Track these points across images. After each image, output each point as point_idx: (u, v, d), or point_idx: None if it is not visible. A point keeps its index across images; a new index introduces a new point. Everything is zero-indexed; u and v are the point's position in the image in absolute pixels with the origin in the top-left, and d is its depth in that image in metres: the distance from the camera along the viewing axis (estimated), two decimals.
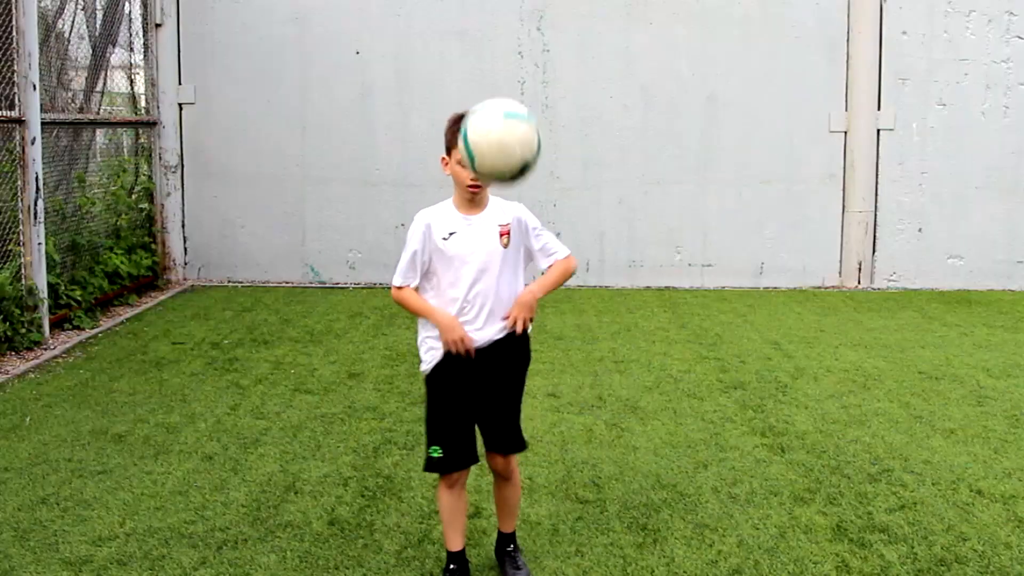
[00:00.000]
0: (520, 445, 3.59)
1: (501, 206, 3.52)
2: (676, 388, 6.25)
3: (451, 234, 3.41)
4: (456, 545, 3.57)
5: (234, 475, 4.69)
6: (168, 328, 7.90)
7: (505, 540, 3.69)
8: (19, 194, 7.14)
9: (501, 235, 3.43)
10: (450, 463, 3.46)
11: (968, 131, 9.84)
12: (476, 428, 3.55)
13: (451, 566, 3.56)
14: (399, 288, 3.50)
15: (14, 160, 7.13)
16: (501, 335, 3.45)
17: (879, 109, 9.83)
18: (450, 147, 3.39)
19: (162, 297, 9.27)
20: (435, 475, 4.57)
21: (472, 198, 3.43)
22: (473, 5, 9.78)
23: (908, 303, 9.20)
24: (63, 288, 7.88)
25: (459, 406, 3.48)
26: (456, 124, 3.35)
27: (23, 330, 7.01)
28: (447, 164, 3.44)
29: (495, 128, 3.17)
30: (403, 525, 4.13)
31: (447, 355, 3.43)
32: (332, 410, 5.72)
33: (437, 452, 3.46)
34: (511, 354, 3.50)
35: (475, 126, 3.19)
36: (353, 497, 4.42)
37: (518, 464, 3.69)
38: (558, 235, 10.02)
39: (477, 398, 3.49)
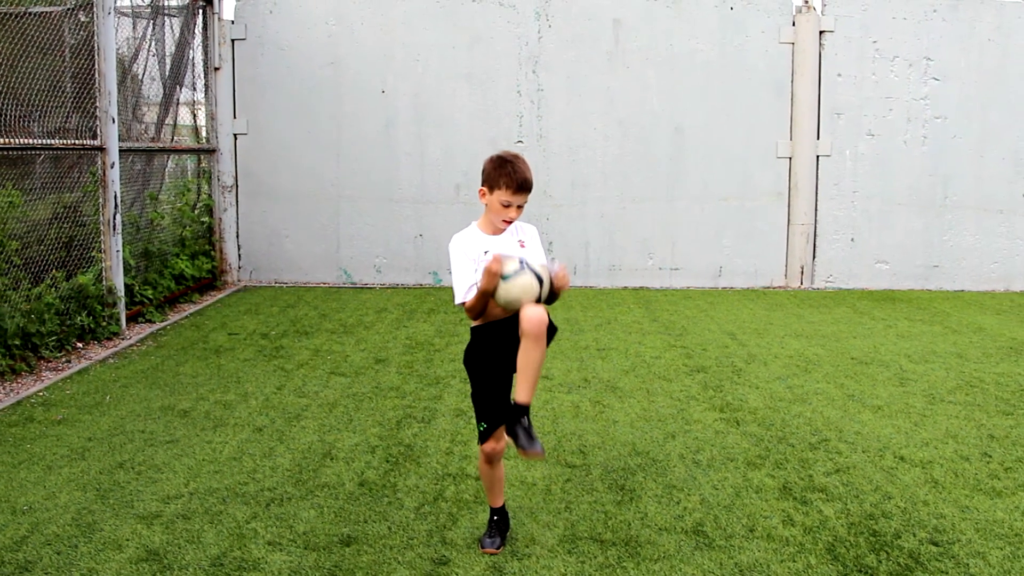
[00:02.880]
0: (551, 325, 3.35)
1: (517, 226, 3.49)
2: (649, 371, 6.25)
3: (486, 252, 3.36)
4: (497, 502, 3.60)
5: (280, 444, 4.70)
6: (225, 321, 7.91)
7: (519, 411, 3.30)
8: (100, 210, 7.15)
9: (521, 246, 3.45)
10: (494, 429, 3.46)
11: (892, 157, 9.85)
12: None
13: (494, 517, 3.59)
14: (467, 303, 3.39)
15: (96, 181, 7.14)
16: None
17: (818, 138, 9.83)
18: (491, 185, 3.36)
19: (220, 296, 9.28)
20: (454, 447, 4.58)
21: (504, 228, 3.42)
22: (479, 52, 9.79)
23: (842, 300, 9.21)
24: (137, 288, 7.89)
25: (494, 384, 3.46)
26: (493, 164, 3.37)
27: (104, 323, 7.02)
28: (484, 195, 3.40)
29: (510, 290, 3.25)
30: (421, 486, 4.13)
31: (476, 335, 3.47)
32: (362, 390, 5.73)
33: (483, 426, 3.48)
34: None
35: (499, 296, 3.27)
36: (379, 462, 4.43)
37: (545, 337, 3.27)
38: (550, 244, 10.12)
39: (509, 371, 3.45)
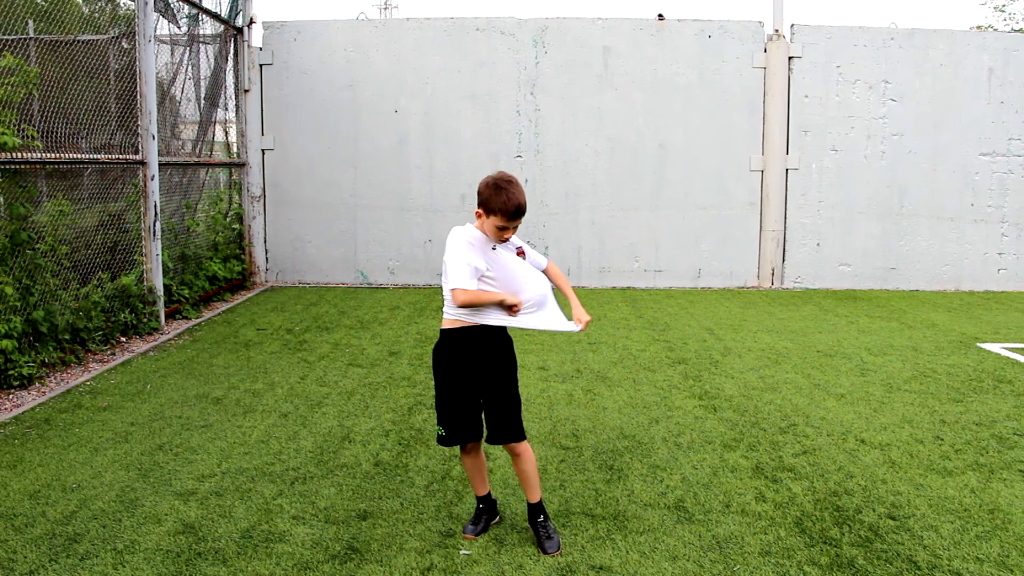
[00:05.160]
0: (516, 435, 3.29)
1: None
2: (635, 363, 6.25)
3: (494, 248, 3.23)
4: (481, 491, 3.47)
5: (303, 428, 4.69)
6: (254, 318, 7.90)
7: (535, 511, 3.34)
8: (142, 217, 7.15)
9: (519, 254, 3.32)
10: (452, 440, 3.35)
11: (854, 170, 9.85)
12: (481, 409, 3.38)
13: (480, 506, 3.47)
14: (467, 291, 3.14)
15: (138, 192, 7.14)
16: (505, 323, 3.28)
17: (787, 153, 9.83)
18: (486, 210, 3.16)
19: (249, 295, 9.27)
20: None
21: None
22: (483, 76, 9.79)
23: (809, 299, 9.20)
24: (175, 288, 7.89)
25: (458, 392, 3.30)
26: (489, 189, 3.14)
27: (145, 319, 7.02)
28: (480, 217, 3.20)
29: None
30: (430, 466, 4.13)
31: (446, 337, 3.30)
32: (377, 379, 5.73)
33: (441, 431, 3.36)
34: (502, 349, 3.31)
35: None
36: (393, 445, 4.43)
37: (527, 445, 3.35)
38: (546, 248, 10.11)
39: (476, 385, 3.29)
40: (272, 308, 8.42)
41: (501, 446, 3.59)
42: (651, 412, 5.03)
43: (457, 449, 4.27)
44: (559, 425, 4.76)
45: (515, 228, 3.21)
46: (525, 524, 3.49)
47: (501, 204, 3.11)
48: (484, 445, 3.58)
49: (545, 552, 3.25)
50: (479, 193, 3.19)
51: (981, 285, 10.01)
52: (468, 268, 3.15)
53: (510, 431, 3.30)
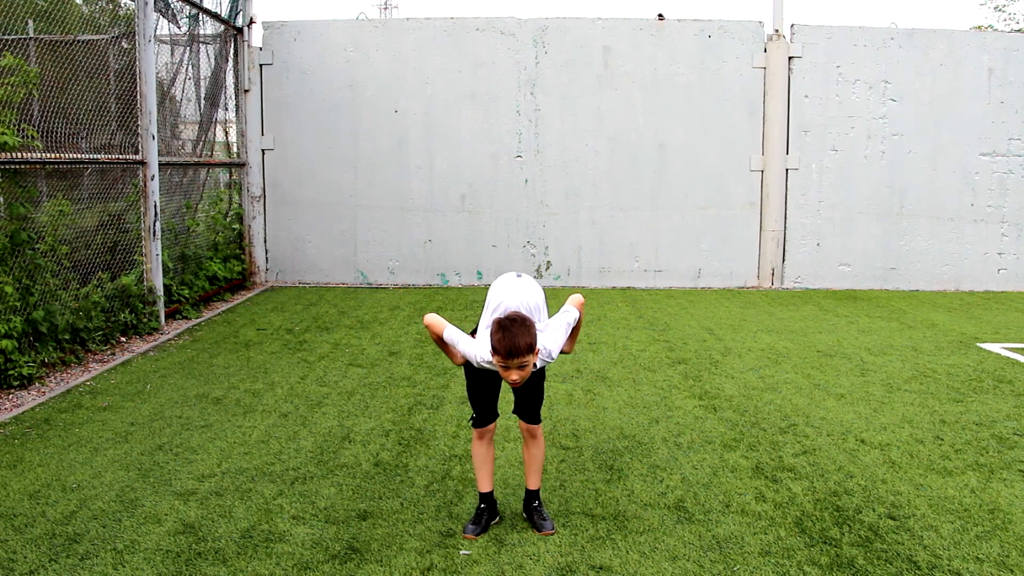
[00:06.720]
0: (535, 419, 3.49)
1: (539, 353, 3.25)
2: (635, 363, 6.25)
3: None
4: (485, 487, 3.48)
5: (303, 428, 4.69)
6: (254, 318, 7.90)
7: (531, 497, 3.51)
8: (142, 217, 7.15)
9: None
10: (481, 422, 3.49)
11: (854, 170, 9.85)
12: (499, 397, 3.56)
13: (481, 505, 3.47)
14: (443, 338, 3.38)
15: (138, 192, 7.14)
16: None
17: (787, 153, 9.83)
18: (491, 347, 3.12)
19: (249, 295, 9.27)
20: (460, 430, 4.58)
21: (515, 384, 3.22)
22: (483, 76, 9.79)
23: (809, 299, 9.21)
24: (175, 288, 7.89)
25: (483, 387, 3.47)
26: (494, 327, 3.09)
27: (145, 319, 7.02)
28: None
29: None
30: (430, 466, 4.13)
31: None
32: (377, 379, 5.73)
33: (474, 416, 3.51)
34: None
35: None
36: (393, 445, 4.43)
37: (542, 432, 3.54)
38: (546, 248, 10.10)
39: (500, 383, 3.49)
40: (272, 308, 8.42)
41: (518, 430, 3.77)
42: (651, 412, 5.03)
43: (458, 449, 4.31)
44: (559, 425, 4.76)
45: (522, 366, 3.07)
46: (525, 524, 3.49)
47: (496, 343, 3.07)
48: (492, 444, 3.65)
49: (541, 531, 3.41)
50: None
51: (981, 285, 10.01)
52: (459, 337, 3.29)
53: (531, 415, 3.51)
